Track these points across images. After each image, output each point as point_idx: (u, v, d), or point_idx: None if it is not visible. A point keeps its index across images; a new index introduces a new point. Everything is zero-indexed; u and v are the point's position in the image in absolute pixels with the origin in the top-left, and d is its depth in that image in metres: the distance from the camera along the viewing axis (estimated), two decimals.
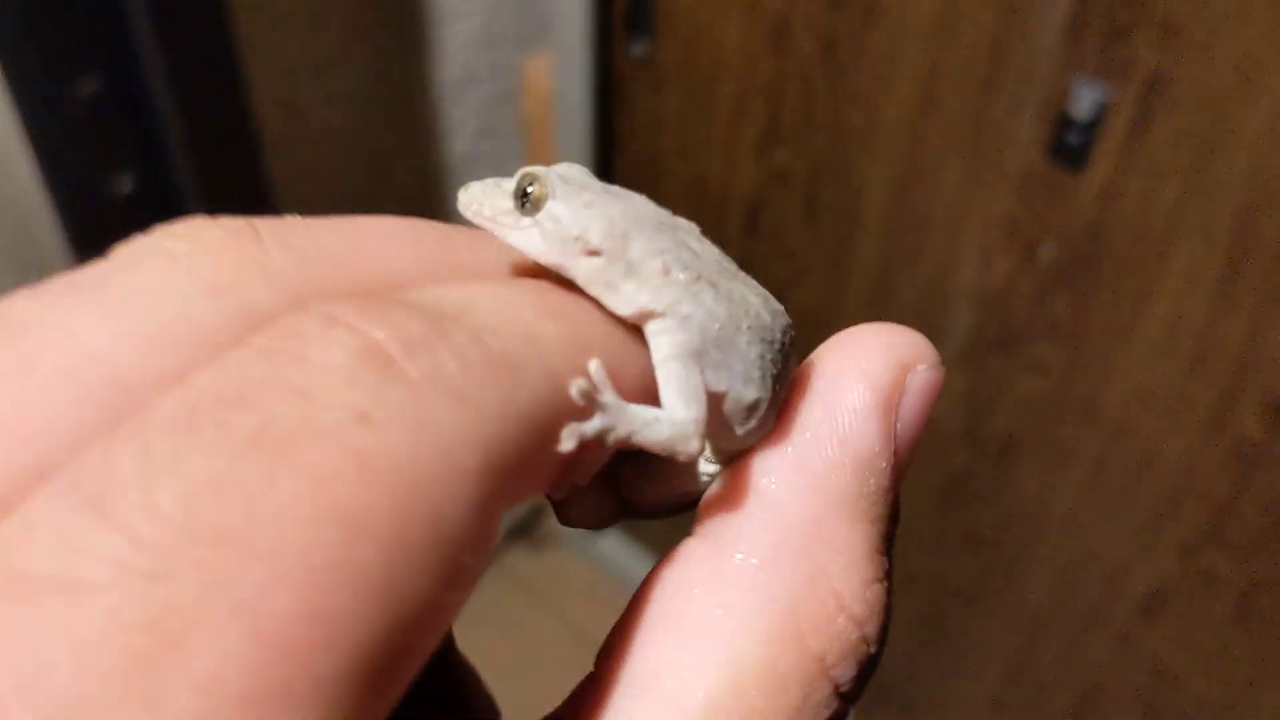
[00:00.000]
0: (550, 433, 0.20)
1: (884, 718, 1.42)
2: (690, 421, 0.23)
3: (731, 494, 0.24)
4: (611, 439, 0.22)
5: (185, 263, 0.20)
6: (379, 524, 0.16)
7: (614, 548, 1.68)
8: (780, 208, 1.09)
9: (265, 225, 0.22)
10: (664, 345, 0.23)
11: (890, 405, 0.24)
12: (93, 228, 0.99)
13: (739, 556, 0.22)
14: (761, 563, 0.22)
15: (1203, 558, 0.95)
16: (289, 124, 1.09)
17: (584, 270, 0.24)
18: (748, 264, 1.00)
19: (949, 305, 1.01)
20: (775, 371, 0.25)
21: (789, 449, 0.24)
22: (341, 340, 0.18)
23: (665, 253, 0.24)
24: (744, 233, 1.14)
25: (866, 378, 0.24)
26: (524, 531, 1.76)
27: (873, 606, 0.23)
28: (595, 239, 0.24)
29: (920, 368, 0.24)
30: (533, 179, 0.25)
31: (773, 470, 0.23)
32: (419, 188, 1.30)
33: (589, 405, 0.21)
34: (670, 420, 0.23)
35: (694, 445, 0.23)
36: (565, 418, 0.20)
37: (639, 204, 0.25)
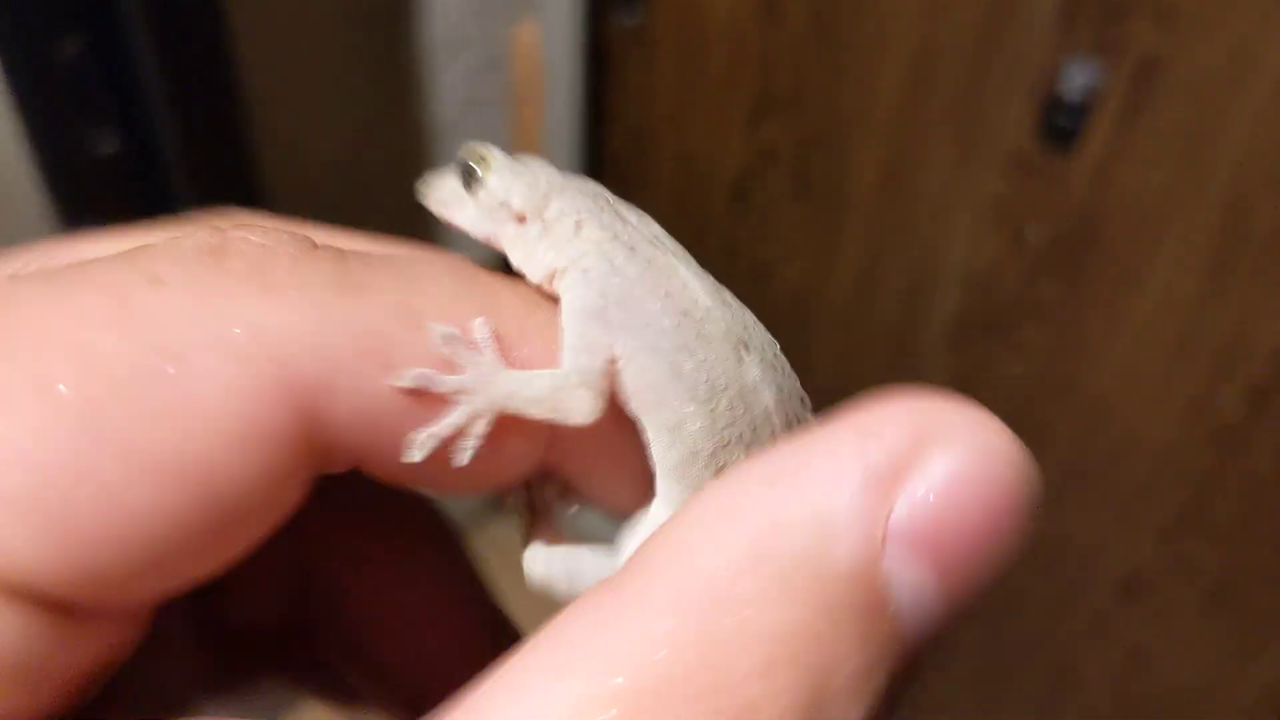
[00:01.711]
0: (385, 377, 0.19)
1: None
2: (572, 371, 0.21)
3: (647, 568, 0.17)
4: (482, 401, 0.20)
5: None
6: (120, 363, 0.17)
7: (597, 524, 1.68)
8: (768, 184, 1.08)
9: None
10: (565, 304, 0.22)
11: (880, 506, 0.17)
12: (75, 188, 0.97)
13: (619, 679, 0.16)
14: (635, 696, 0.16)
15: (1180, 542, 0.95)
16: (273, 86, 1.07)
17: (510, 238, 0.24)
18: (734, 242, 0.99)
19: (936, 286, 1.01)
20: (722, 380, 0.22)
21: (736, 527, 0.17)
22: (203, 238, 0.19)
23: (582, 211, 0.24)
24: (730, 209, 1.13)
25: (866, 456, 0.17)
26: (499, 504, 1.75)
27: None
28: (518, 202, 0.24)
29: (962, 453, 0.17)
30: (475, 156, 0.25)
31: (699, 561, 0.17)
32: (403, 153, 1.28)
33: (452, 355, 0.20)
34: (550, 372, 0.21)
35: (580, 398, 0.21)
36: (421, 374, 0.19)
37: (580, 183, 0.25)
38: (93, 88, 0.94)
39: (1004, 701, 1.23)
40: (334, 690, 0.31)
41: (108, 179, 0.99)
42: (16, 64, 0.89)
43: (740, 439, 0.22)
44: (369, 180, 1.25)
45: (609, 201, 0.25)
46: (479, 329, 0.20)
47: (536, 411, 0.21)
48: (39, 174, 0.96)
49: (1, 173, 0.97)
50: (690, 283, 0.23)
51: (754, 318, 0.24)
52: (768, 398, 0.23)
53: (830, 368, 1.15)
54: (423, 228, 1.36)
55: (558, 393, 0.21)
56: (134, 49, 0.92)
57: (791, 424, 0.23)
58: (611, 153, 1.23)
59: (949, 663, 1.26)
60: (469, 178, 0.25)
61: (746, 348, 0.23)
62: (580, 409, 0.21)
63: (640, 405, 0.22)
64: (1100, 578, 1.03)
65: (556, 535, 0.26)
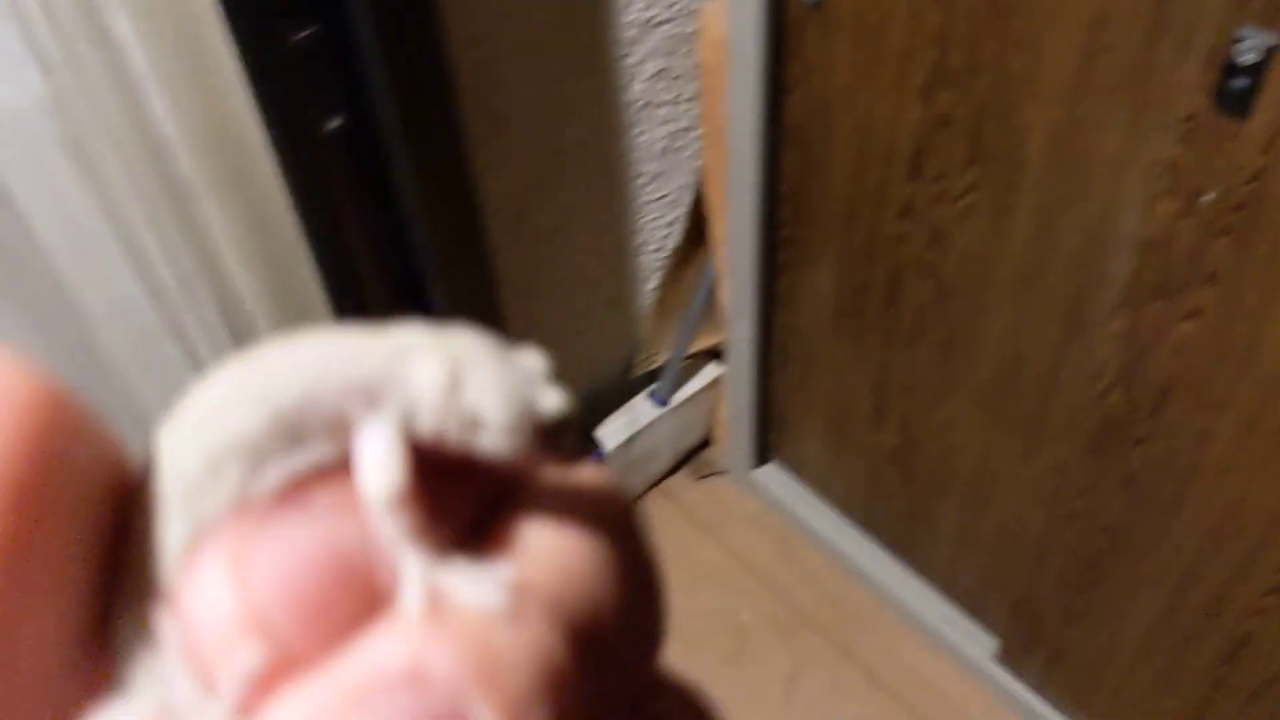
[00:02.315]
0: None
1: (1033, 661, 1.44)
2: None
3: None
4: None
5: None
6: None
7: (773, 478, 1.74)
8: (944, 151, 1.12)
9: None
10: None
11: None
12: (305, 159, 1.09)
13: None
14: None
15: None
16: (482, 68, 1.17)
17: None
18: (911, 207, 1.06)
19: (1110, 251, 1.02)
20: None
21: None
22: None
23: None
24: (908, 176, 1.17)
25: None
26: (686, 460, 1.84)
27: None
28: None
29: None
30: None
31: None
32: (598, 128, 1.37)
33: None
34: None
35: None
36: None
37: None
38: (322, 71, 1.06)
39: (1180, 670, 1.23)
40: None
41: (333, 151, 1.11)
42: (254, 49, 1.01)
43: None
44: (569, 150, 1.35)
45: None
46: None
47: None
48: (273, 147, 1.08)
49: (242, 146, 1.11)
50: None
51: None
52: None
53: (1004, 331, 1.17)
54: (618, 193, 1.44)
55: None
56: (358, 35, 1.04)
57: None
58: (793, 122, 1.28)
59: (1123, 630, 1.27)
60: None
61: None
62: None
63: None
64: (1276, 545, 1.03)
65: None
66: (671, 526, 1.76)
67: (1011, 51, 1.00)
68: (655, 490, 1.81)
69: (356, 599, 0.18)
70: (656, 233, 1.55)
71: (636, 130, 1.42)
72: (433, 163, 1.09)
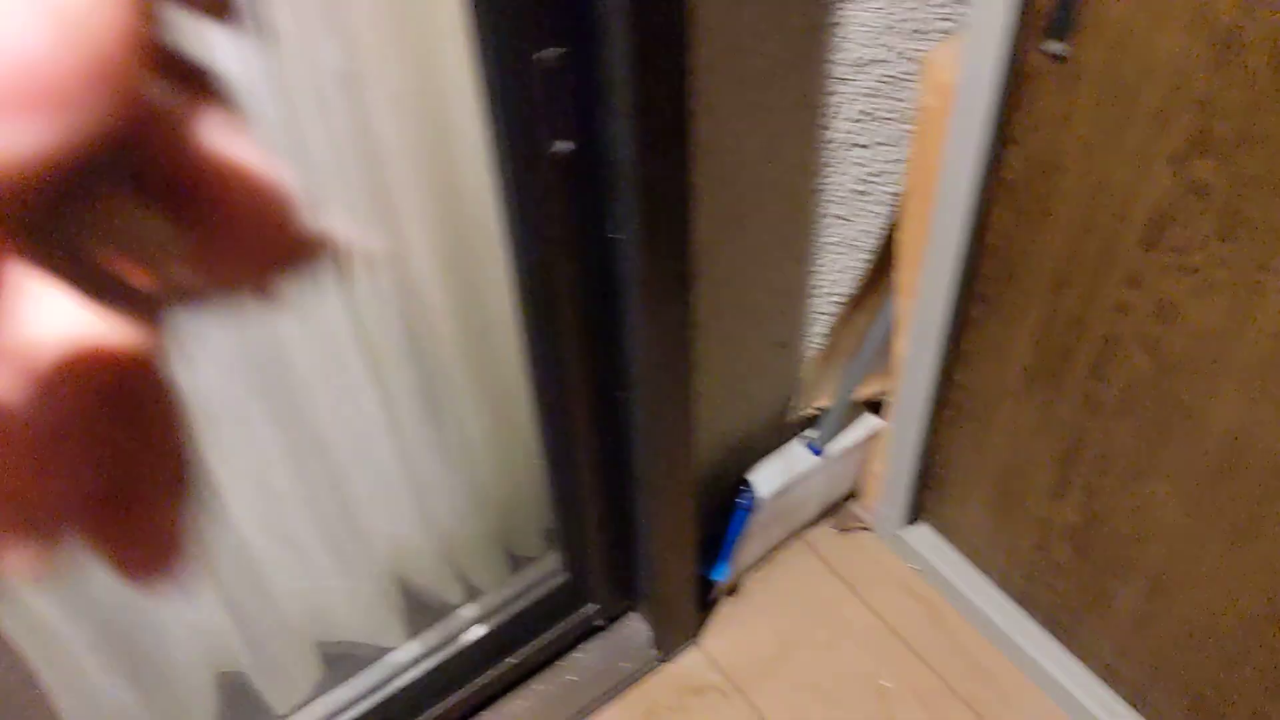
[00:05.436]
0: None
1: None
2: None
3: None
4: None
5: None
6: None
7: (922, 539, 1.68)
8: (1192, 222, 1.05)
9: None
10: None
11: None
12: (523, 180, 1.04)
13: None
14: None
15: None
16: (702, 96, 1.13)
17: None
18: (1141, 276, 0.98)
19: None
20: None
21: None
22: None
23: None
24: (1143, 244, 1.10)
25: None
26: (830, 512, 1.78)
27: None
28: None
29: None
30: None
31: None
32: (797, 165, 1.33)
33: None
34: None
35: None
36: None
37: None
38: (559, 93, 0.98)
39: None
40: None
41: (555, 174, 1.04)
42: (495, 66, 0.96)
43: None
44: (766, 186, 1.31)
45: None
46: None
47: None
48: (495, 162, 1.02)
49: (460, 155, 1.08)
50: None
51: None
52: None
53: (1233, 417, 1.10)
54: (803, 232, 1.39)
55: None
56: (606, 60, 0.95)
57: None
58: (1011, 176, 1.22)
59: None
60: None
61: None
62: None
63: None
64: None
65: None
66: (813, 578, 1.70)
67: None
68: (796, 539, 1.75)
69: None
70: (832, 276, 1.50)
71: (830, 170, 1.37)
72: (658, 193, 1.05)
